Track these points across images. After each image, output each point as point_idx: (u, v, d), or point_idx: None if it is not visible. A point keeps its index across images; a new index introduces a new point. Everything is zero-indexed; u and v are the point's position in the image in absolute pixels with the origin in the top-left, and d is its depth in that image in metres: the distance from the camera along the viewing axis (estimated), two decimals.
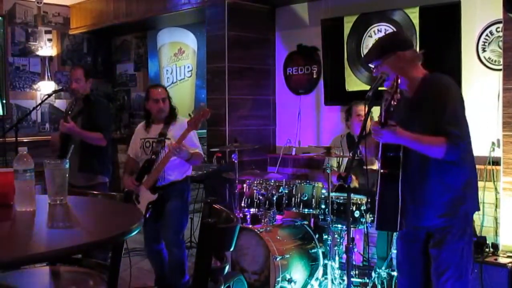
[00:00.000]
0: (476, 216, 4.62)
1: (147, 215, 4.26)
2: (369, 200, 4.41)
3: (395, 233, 4.45)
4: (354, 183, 4.82)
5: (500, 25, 4.57)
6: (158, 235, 4.50)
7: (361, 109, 4.66)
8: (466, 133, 2.87)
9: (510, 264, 3.98)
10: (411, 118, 2.89)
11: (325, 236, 4.57)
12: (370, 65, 3.12)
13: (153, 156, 4.36)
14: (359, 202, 4.42)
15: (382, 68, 2.96)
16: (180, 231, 4.44)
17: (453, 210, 2.90)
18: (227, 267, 2.18)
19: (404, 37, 3.30)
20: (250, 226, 4.63)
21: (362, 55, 5.63)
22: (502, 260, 4.08)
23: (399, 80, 2.78)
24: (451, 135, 2.75)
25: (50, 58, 8.09)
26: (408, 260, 3.12)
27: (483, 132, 4.72)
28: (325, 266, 4.49)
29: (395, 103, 2.74)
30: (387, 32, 5.43)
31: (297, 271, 4.44)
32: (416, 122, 2.85)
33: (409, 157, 2.87)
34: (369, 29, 5.58)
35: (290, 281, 4.34)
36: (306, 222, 4.85)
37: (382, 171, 2.91)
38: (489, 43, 4.86)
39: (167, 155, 4.23)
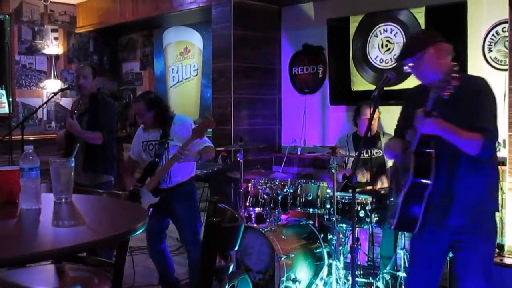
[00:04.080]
0: None
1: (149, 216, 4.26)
2: (374, 200, 4.41)
3: (400, 233, 4.45)
4: (362, 178, 4.82)
5: (507, 25, 4.55)
6: (161, 235, 4.52)
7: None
8: (497, 133, 2.86)
9: None
10: (444, 115, 2.78)
11: (330, 236, 4.57)
12: (407, 63, 2.92)
13: (156, 159, 4.34)
14: (364, 201, 4.41)
15: (422, 62, 2.87)
16: (197, 230, 4.43)
17: (482, 210, 2.92)
18: (231, 266, 2.19)
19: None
20: (255, 225, 4.63)
21: (368, 55, 5.63)
22: (507, 260, 4.07)
23: (454, 73, 2.64)
24: (487, 132, 2.75)
25: (57, 56, 8.12)
26: (424, 259, 3.07)
27: None
28: (330, 266, 4.49)
29: (447, 94, 2.63)
30: (393, 32, 5.43)
31: (302, 271, 4.44)
32: (452, 119, 2.75)
33: (440, 154, 2.83)
34: (374, 28, 5.57)
35: (294, 280, 4.34)
36: (311, 222, 4.85)
37: (414, 168, 2.83)
38: (495, 43, 4.84)
39: (170, 161, 4.20)
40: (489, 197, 2.94)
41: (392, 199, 3.19)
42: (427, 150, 2.82)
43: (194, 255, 4.36)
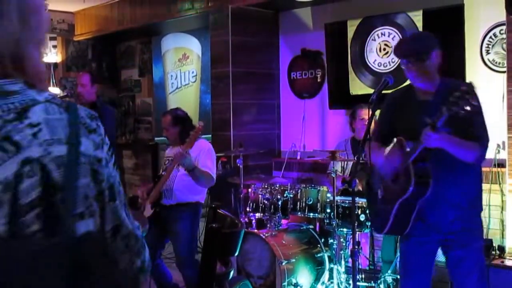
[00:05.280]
0: (482, 219, 4.61)
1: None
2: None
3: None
4: (359, 187, 4.82)
5: (504, 27, 4.56)
6: (154, 253, 4.32)
7: (366, 113, 4.66)
8: (489, 138, 2.91)
9: None
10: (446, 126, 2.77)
11: (330, 240, 4.56)
12: (410, 64, 2.90)
13: (163, 173, 4.36)
14: (365, 205, 4.41)
15: (423, 66, 2.85)
16: (192, 251, 4.36)
17: (475, 209, 3.02)
18: (232, 272, 2.19)
19: None
20: (256, 230, 4.63)
21: (366, 59, 5.63)
22: (508, 262, 4.07)
23: (472, 90, 2.62)
24: (483, 140, 2.84)
25: (55, 64, 8.12)
26: (418, 261, 3.09)
27: None
28: (331, 270, 4.48)
29: (464, 112, 2.59)
30: (391, 36, 5.44)
31: (303, 276, 4.44)
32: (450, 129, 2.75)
33: (435, 161, 2.84)
34: (372, 32, 5.58)
35: (296, 285, 4.33)
36: (311, 226, 4.84)
37: (415, 178, 2.82)
38: (493, 45, 4.85)
39: (173, 163, 4.21)
40: (479, 198, 3.05)
41: (373, 203, 3.22)
42: (423, 165, 2.82)
43: (188, 277, 4.26)
